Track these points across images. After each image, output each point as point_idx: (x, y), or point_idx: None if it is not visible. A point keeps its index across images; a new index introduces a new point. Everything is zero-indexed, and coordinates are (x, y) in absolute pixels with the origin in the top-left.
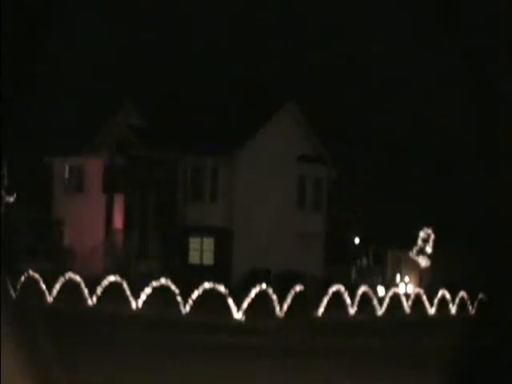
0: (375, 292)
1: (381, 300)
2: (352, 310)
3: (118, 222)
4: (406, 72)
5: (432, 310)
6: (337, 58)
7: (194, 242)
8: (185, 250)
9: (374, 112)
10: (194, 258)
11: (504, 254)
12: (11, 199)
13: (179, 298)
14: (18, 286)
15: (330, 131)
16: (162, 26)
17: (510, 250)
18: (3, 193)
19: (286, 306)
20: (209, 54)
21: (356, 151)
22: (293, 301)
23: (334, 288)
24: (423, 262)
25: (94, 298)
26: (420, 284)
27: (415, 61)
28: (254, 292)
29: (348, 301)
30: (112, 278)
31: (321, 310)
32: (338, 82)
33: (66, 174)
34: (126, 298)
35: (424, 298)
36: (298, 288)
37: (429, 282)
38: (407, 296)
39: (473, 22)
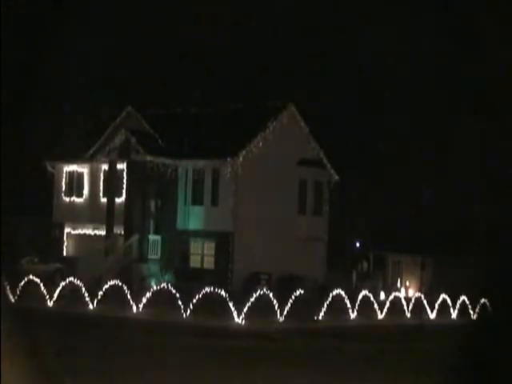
0: (376, 296)
1: (381, 304)
2: (352, 314)
3: (119, 226)
4: (407, 73)
5: (433, 315)
6: (337, 61)
7: (194, 246)
8: (186, 254)
9: (374, 114)
10: (194, 262)
11: (504, 259)
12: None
13: (180, 302)
14: (19, 290)
15: (330, 135)
16: (162, 30)
17: (510, 255)
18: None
19: (286, 310)
20: (209, 58)
21: (356, 155)
22: (293, 305)
23: (334, 292)
24: None
25: (95, 302)
26: (421, 288)
27: (416, 61)
28: (254, 296)
29: (348, 305)
30: (112, 282)
31: (321, 314)
32: (338, 85)
33: (67, 179)
34: (127, 301)
35: (425, 302)
36: (299, 292)
37: (430, 286)
38: (408, 300)
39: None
